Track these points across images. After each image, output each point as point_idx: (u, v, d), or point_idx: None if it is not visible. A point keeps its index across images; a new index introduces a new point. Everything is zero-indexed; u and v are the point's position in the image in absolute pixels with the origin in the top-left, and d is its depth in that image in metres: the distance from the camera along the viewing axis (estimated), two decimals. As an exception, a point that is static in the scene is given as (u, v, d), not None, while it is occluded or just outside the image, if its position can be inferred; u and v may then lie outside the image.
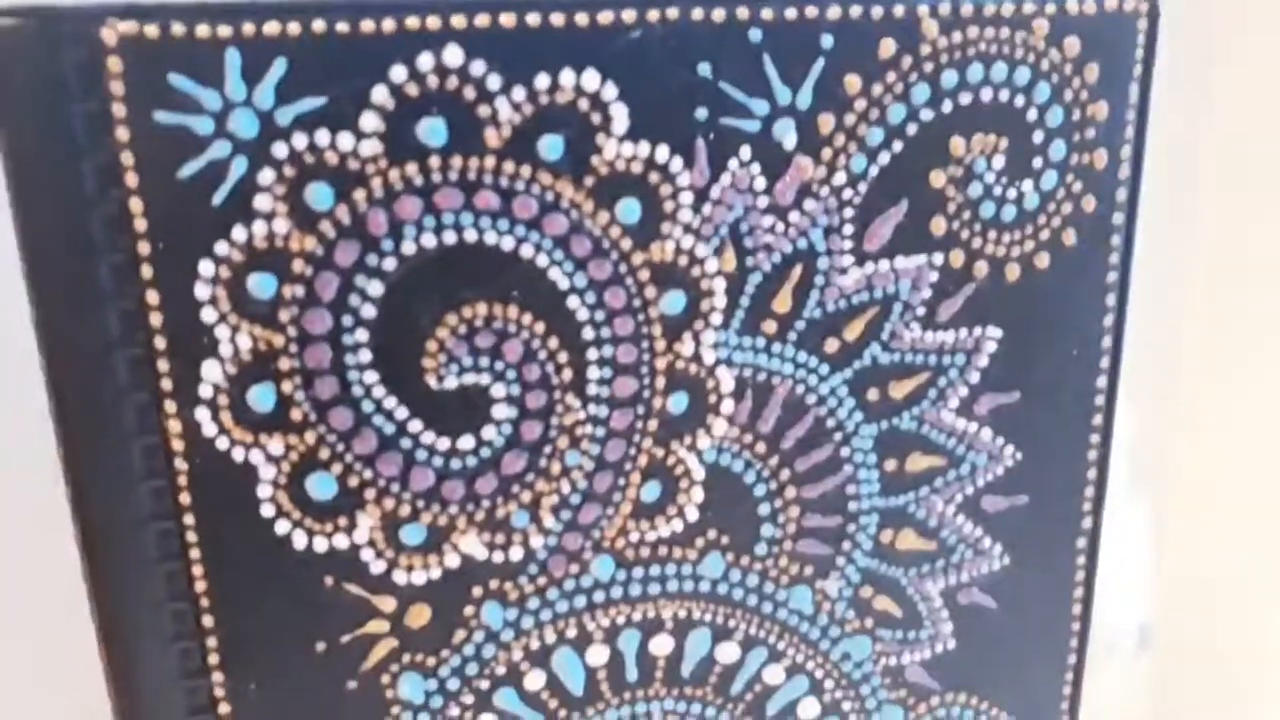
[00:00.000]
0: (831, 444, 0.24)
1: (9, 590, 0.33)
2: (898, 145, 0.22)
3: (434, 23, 0.20)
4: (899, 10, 0.21)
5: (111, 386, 0.21)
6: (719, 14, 0.21)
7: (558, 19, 0.20)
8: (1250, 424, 0.44)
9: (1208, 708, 0.57)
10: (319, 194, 0.20)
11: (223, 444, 0.21)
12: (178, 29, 0.19)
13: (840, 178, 0.22)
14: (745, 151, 0.21)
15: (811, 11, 0.21)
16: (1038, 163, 0.23)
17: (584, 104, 0.20)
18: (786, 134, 0.21)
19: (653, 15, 0.20)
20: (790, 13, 0.21)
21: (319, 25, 0.19)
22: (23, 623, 0.33)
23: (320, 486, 0.22)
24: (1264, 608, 0.49)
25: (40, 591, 0.31)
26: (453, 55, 0.20)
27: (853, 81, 0.21)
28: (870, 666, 0.26)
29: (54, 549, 0.26)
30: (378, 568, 0.23)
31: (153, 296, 0.20)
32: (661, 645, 0.25)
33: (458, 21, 0.20)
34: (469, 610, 0.23)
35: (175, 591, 0.22)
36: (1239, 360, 0.43)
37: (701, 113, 0.21)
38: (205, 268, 0.20)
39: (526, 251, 0.21)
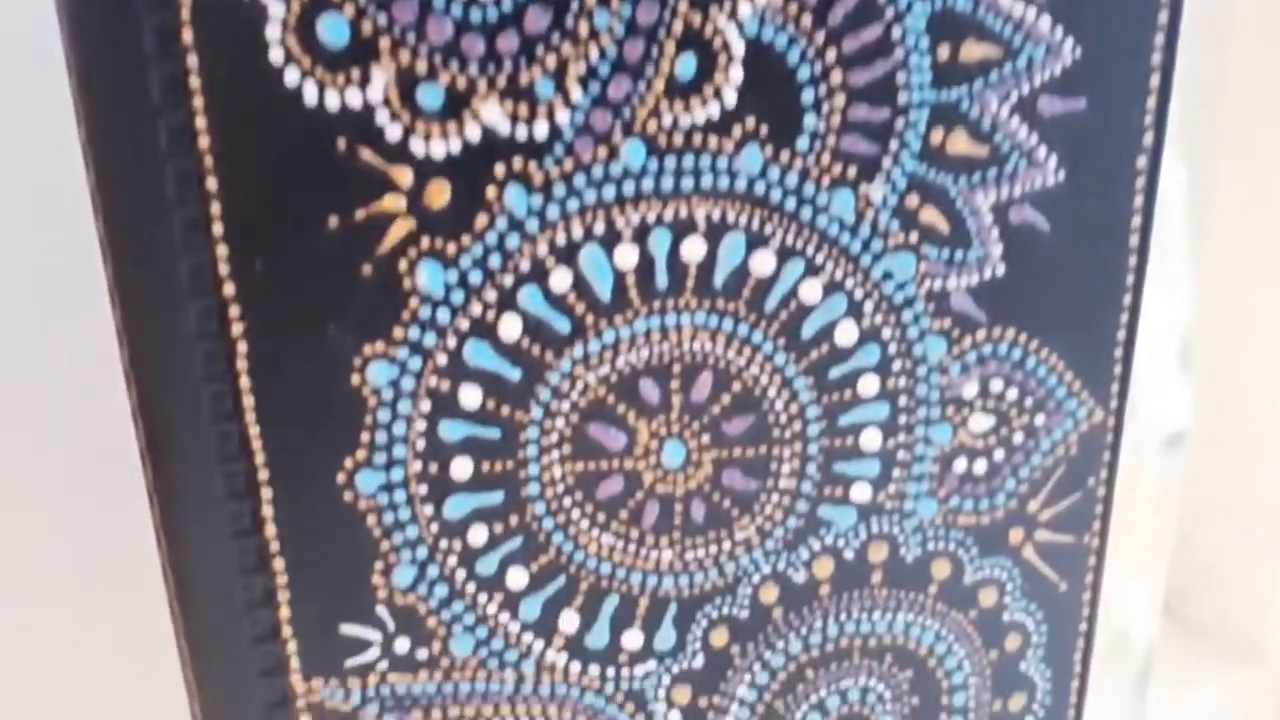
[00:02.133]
0: (882, 22, 0.22)
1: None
2: None
3: None
4: None
5: (105, -103, 0.19)
6: None
7: None
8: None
9: (1237, 511, 0.56)
10: None
11: (227, -28, 0.20)
12: None
13: None
14: None
15: None
16: None
17: None
18: None
19: None
20: None
21: None
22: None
23: (332, 30, 0.20)
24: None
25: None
26: None
27: None
28: (913, 289, 0.24)
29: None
30: (394, 133, 0.21)
31: None
32: (693, 249, 0.23)
33: None
34: (491, 192, 0.22)
35: (176, 148, 0.21)
36: None
37: None
38: None
39: None
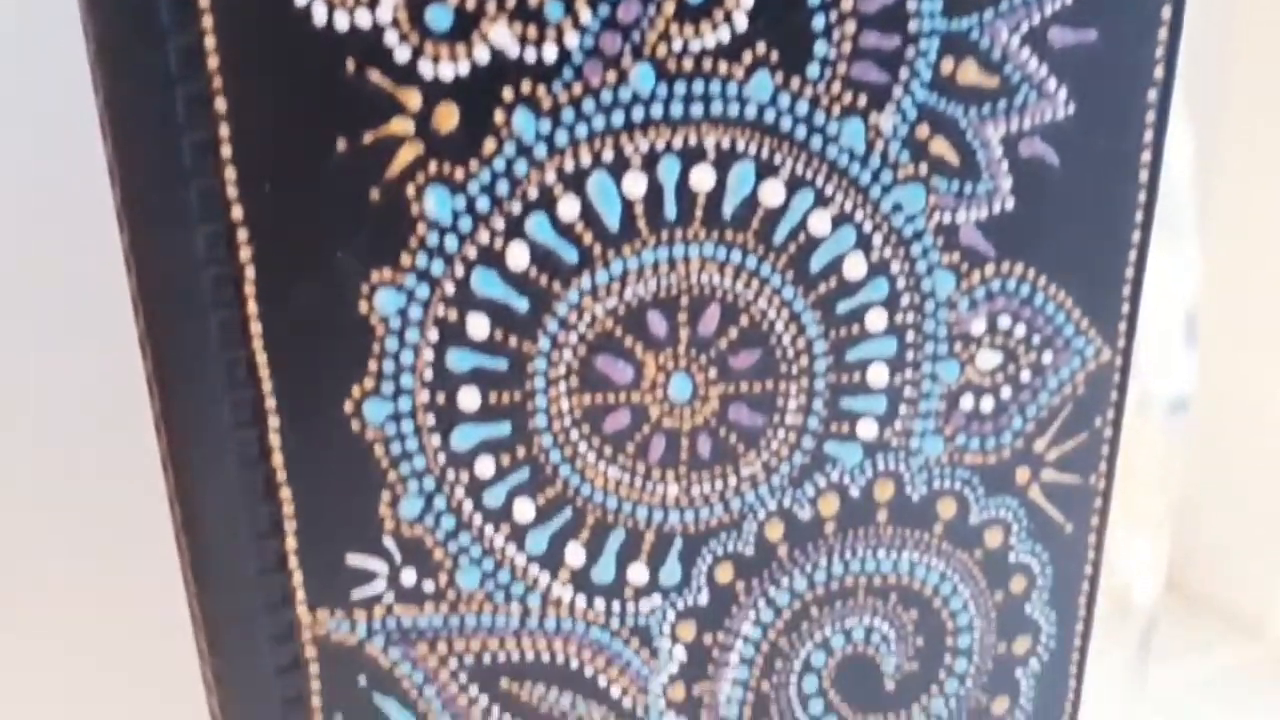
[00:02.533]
0: (892, -52, 0.22)
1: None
2: None
3: None
4: None
5: None
6: None
7: None
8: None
9: (1240, 488, 0.56)
10: None
11: (235, -115, 0.20)
12: None
13: None
14: None
15: None
16: None
17: None
18: None
19: None
20: None
21: None
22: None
23: (341, -52, 0.20)
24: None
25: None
26: None
27: None
28: (923, 222, 0.24)
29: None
30: (402, 55, 0.21)
31: None
32: (702, 178, 0.23)
33: None
34: (499, 116, 0.22)
35: (186, 70, 0.21)
36: None
37: None
38: None
39: None
